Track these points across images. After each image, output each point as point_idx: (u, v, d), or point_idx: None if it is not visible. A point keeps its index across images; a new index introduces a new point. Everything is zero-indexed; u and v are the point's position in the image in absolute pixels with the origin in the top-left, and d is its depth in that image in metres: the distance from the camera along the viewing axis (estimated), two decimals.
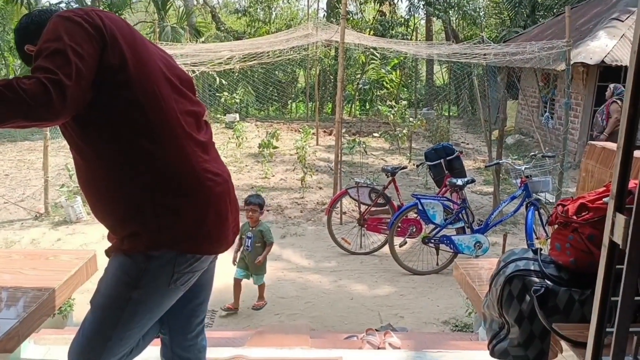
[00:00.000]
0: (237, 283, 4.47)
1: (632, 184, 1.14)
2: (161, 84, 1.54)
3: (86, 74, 1.40)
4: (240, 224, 4.07)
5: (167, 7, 16.35)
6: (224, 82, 14.38)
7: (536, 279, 1.58)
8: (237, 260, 4.52)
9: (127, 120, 1.49)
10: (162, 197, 1.53)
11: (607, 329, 1.21)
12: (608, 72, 9.37)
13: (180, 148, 1.55)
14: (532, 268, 1.62)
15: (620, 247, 1.12)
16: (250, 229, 4.52)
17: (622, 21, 9.79)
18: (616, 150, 1.13)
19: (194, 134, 1.60)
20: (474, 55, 8.32)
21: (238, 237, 4.19)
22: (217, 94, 14.46)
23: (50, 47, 1.38)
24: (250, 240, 4.48)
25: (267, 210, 7.15)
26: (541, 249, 1.75)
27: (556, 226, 1.65)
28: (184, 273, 1.59)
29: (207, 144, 1.66)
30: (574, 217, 1.57)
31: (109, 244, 1.67)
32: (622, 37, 9.40)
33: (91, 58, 1.42)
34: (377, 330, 3.31)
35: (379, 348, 2.95)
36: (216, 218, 1.61)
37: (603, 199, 1.55)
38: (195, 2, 18.70)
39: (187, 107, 1.61)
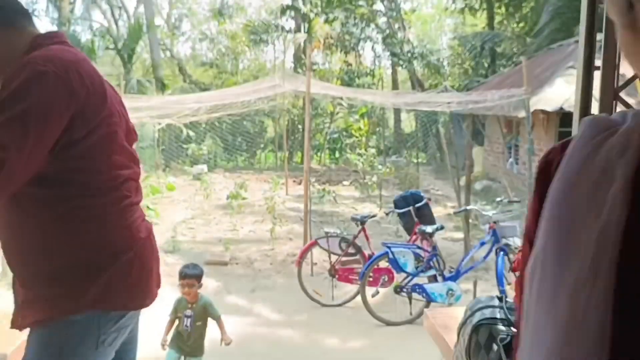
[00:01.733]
0: None
1: None
2: (118, 151, 1.51)
3: (44, 146, 1.33)
4: (176, 298, 3.84)
5: (134, 60, 16.43)
6: (191, 133, 14.34)
7: (502, 327, 1.54)
8: (169, 341, 3.88)
9: (74, 181, 1.44)
10: (88, 255, 1.45)
11: None
12: (568, 118, 9.67)
13: (120, 211, 1.50)
14: (498, 316, 1.59)
15: None
16: (189, 306, 3.85)
17: None
18: None
19: (132, 197, 1.56)
20: (439, 104, 8.52)
21: (170, 317, 3.86)
22: (184, 146, 14.38)
23: (13, 108, 1.29)
24: (189, 320, 3.83)
25: (236, 264, 6.98)
26: (506, 296, 1.71)
27: (519, 273, 1.60)
28: (111, 333, 1.49)
29: (139, 204, 1.63)
30: None
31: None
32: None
33: (57, 129, 1.35)
34: None
35: None
36: (140, 271, 1.55)
37: None
38: (162, 55, 18.87)
39: (133, 170, 1.58)
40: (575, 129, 1.08)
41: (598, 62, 1.03)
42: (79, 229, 1.44)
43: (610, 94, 1.05)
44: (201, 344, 3.87)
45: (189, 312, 3.81)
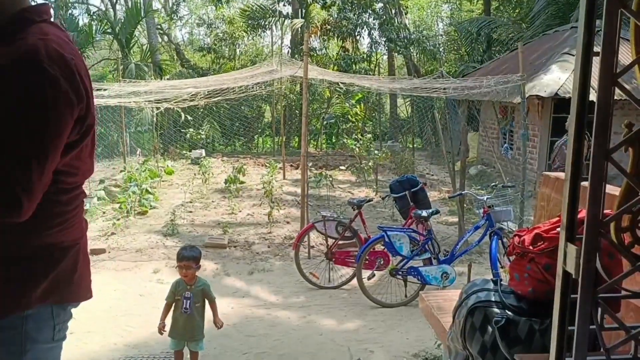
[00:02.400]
0: (177, 355, 3.86)
1: (582, 213, 1.17)
2: (89, 152, 1.53)
3: (58, 157, 1.37)
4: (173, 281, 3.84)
5: (131, 44, 16.33)
6: (189, 118, 14.34)
7: (497, 310, 1.60)
8: (170, 327, 3.81)
9: (58, 181, 1.44)
10: (44, 251, 1.45)
11: (567, 359, 1.23)
12: (562, 104, 9.76)
13: (79, 207, 1.55)
14: (492, 299, 1.64)
15: (574, 276, 1.16)
16: (188, 287, 3.81)
17: (573, 55, 10.26)
18: (564, 183, 1.18)
19: (84, 193, 1.60)
20: (435, 90, 8.57)
21: (167, 300, 3.79)
22: (183, 130, 14.39)
23: (30, 121, 1.30)
24: (189, 302, 3.78)
25: (234, 247, 7.07)
26: (501, 280, 1.78)
27: (514, 256, 1.69)
28: (64, 323, 1.53)
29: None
30: (530, 248, 1.60)
31: None
32: (573, 70, 9.84)
33: (65, 138, 1.38)
34: None
35: None
36: (85, 263, 1.59)
37: (557, 229, 1.59)
38: (159, 40, 18.76)
39: (90, 166, 1.59)
40: (572, 115, 1.14)
41: (597, 48, 1.08)
42: (44, 224, 1.44)
43: (609, 79, 1.10)
44: (201, 326, 3.83)
45: (188, 293, 3.77)
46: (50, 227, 1.45)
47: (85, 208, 1.66)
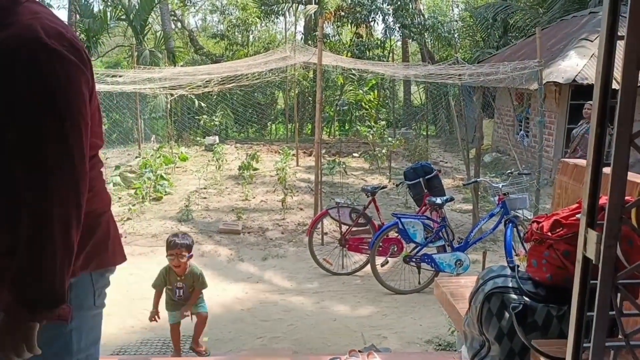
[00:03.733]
0: (174, 329, 3.78)
1: (603, 199, 1.17)
2: (98, 120, 1.56)
3: (87, 133, 1.39)
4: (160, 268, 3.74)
5: (145, 31, 16.35)
6: (202, 104, 14.38)
7: (514, 296, 1.60)
8: (165, 303, 3.76)
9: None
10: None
11: (585, 344, 1.22)
12: (580, 91, 9.62)
13: (99, 174, 1.59)
14: (510, 285, 1.64)
15: (594, 262, 1.15)
16: (179, 278, 3.65)
17: (591, 41, 10.10)
18: (586, 168, 1.17)
19: (101, 161, 1.65)
20: (450, 76, 8.49)
21: (156, 289, 3.69)
22: (196, 117, 14.44)
23: (57, 108, 1.30)
24: (181, 291, 3.68)
25: (248, 233, 7.11)
26: (519, 266, 1.77)
27: (532, 243, 1.68)
28: (103, 289, 1.60)
29: None
30: (549, 234, 1.60)
31: None
32: (591, 56, 9.68)
33: (88, 109, 1.40)
34: (360, 351, 3.29)
35: None
36: (115, 228, 1.65)
37: (576, 215, 1.58)
38: (173, 27, 18.77)
39: (101, 135, 1.61)
40: (595, 100, 1.12)
41: (621, 32, 1.05)
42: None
43: (634, 64, 1.07)
44: (201, 298, 3.76)
45: (179, 283, 3.65)
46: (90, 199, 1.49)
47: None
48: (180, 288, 3.64)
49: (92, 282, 1.54)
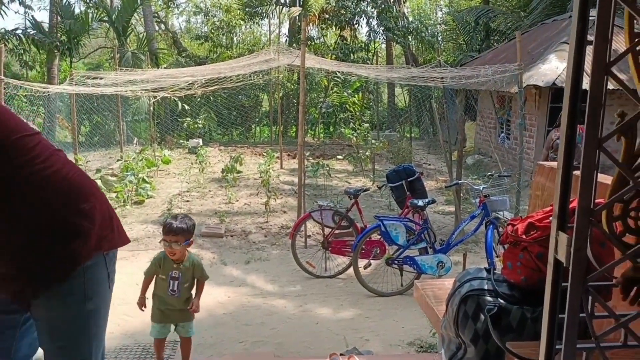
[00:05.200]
0: (159, 344, 3.34)
1: (574, 203, 1.18)
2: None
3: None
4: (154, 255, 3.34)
5: (128, 32, 16.22)
6: (186, 107, 14.29)
7: (489, 298, 1.61)
8: (152, 309, 3.28)
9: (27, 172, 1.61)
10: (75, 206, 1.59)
11: (557, 346, 1.23)
12: (559, 94, 9.74)
13: (64, 162, 1.69)
14: (485, 287, 1.65)
15: (565, 264, 1.16)
16: (175, 266, 3.18)
17: None
18: (556, 171, 1.18)
19: (55, 150, 1.74)
20: (432, 79, 8.54)
21: (147, 275, 3.25)
22: (180, 119, 14.34)
23: None
24: (177, 283, 3.18)
25: (231, 236, 7.08)
26: (494, 268, 1.79)
27: (507, 245, 1.69)
28: (114, 270, 1.70)
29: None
30: (523, 236, 1.61)
31: None
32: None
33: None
34: (341, 354, 3.28)
35: None
36: (113, 212, 1.75)
37: (550, 218, 1.60)
38: (156, 28, 18.64)
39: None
40: (565, 103, 1.13)
41: (591, 38, 1.07)
42: (64, 197, 1.59)
43: (602, 69, 1.09)
44: (191, 323, 3.34)
45: (175, 273, 3.17)
46: (68, 191, 1.60)
47: None
48: (175, 279, 3.16)
49: (105, 264, 1.64)
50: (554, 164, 2.36)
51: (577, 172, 1.18)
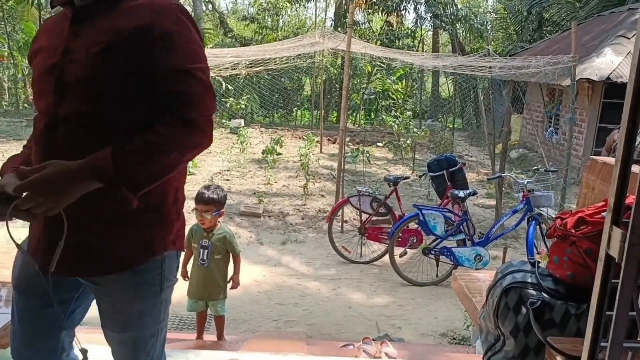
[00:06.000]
0: (200, 316, 3.46)
1: (630, 199, 1.14)
2: None
3: None
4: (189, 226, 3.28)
5: None
6: (230, 87, 14.44)
7: (533, 292, 1.58)
8: (189, 278, 3.39)
9: None
10: (175, 197, 1.55)
11: (602, 344, 1.20)
12: (613, 89, 9.37)
13: None
14: (529, 280, 1.62)
15: (616, 260, 1.12)
16: (205, 235, 3.27)
17: (629, 38, 9.80)
18: (614, 164, 1.14)
19: None
20: (480, 68, 8.34)
21: (185, 245, 3.34)
22: (223, 99, 14.51)
23: (203, 75, 1.45)
24: (206, 252, 3.24)
25: (268, 217, 7.15)
26: (539, 262, 1.75)
27: (555, 239, 1.65)
28: (178, 268, 1.63)
29: None
30: (572, 231, 1.57)
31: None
32: (627, 54, 9.41)
33: None
34: (373, 339, 3.30)
35: (374, 357, 2.94)
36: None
37: (601, 213, 1.55)
38: (204, 8, 18.81)
39: None
40: (628, 95, 1.09)
41: None
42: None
43: None
44: (221, 285, 3.34)
45: (205, 242, 3.24)
46: (181, 174, 1.59)
47: None
48: (205, 247, 3.22)
49: (177, 258, 1.60)
50: (608, 159, 2.28)
51: (634, 169, 1.14)
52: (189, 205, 7.59)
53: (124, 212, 1.36)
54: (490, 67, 8.23)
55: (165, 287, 1.54)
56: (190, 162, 9.16)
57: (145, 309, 1.51)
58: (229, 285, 3.38)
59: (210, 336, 3.59)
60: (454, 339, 4.17)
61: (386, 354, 2.95)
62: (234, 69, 9.44)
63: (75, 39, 1.38)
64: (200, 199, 3.21)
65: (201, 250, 3.26)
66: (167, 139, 1.33)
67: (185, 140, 1.35)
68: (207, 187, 3.30)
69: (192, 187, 8.35)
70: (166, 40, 1.36)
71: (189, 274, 3.39)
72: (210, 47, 15.00)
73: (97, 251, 1.42)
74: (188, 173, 7.94)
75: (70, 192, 1.27)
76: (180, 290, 3.73)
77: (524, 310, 1.57)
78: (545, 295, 1.57)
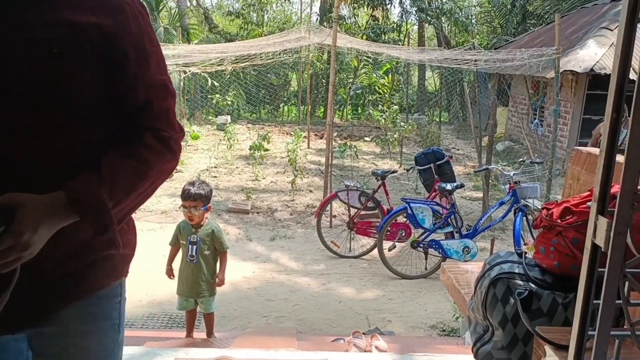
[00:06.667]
0: (189, 315, 3.46)
1: (615, 188, 1.15)
2: None
3: None
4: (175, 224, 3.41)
5: (160, 7, 16.28)
6: (216, 83, 14.35)
7: (520, 282, 1.59)
8: (177, 287, 3.37)
9: None
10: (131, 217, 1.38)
11: (589, 332, 1.21)
12: (597, 81, 9.47)
13: None
14: (516, 271, 1.63)
15: (603, 249, 1.13)
16: (193, 230, 3.26)
17: (611, 30, 9.90)
18: (599, 154, 1.14)
19: None
20: (465, 61, 8.38)
21: (171, 245, 3.35)
22: (209, 96, 14.42)
23: (172, 86, 1.25)
24: (195, 248, 3.24)
25: (257, 213, 7.13)
26: (526, 253, 1.76)
27: (541, 230, 1.66)
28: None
29: None
30: (558, 221, 1.58)
31: None
32: (610, 45, 9.50)
33: None
34: (364, 333, 3.31)
35: (365, 351, 2.95)
36: None
37: (587, 203, 1.56)
38: (188, 4, 18.67)
39: None
40: (612, 84, 1.09)
41: None
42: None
43: None
44: (210, 281, 3.33)
45: (193, 237, 3.23)
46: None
47: None
48: (194, 243, 3.22)
49: (124, 286, 1.36)
50: (593, 149, 2.30)
51: (619, 158, 1.14)
52: (175, 202, 7.51)
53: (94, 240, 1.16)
54: (475, 61, 8.27)
55: (122, 320, 1.31)
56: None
57: (103, 349, 1.25)
58: (217, 281, 3.37)
59: (200, 334, 3.58)
60: (444, 330, 4.20)
61: (376, 347, 2.97)
62: (220, 65, 9.39)
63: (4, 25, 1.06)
64: (187, 195, 3.19)
65: (190, 246, 3.25)
66: (151, 165, 1.16)
67: (167, 165, 1.21)
68: (192, 183, 3.28)
69: (179, 184, 8.29)
70: (139, 46, 1.17)
71: (174, 272, 3.37)
72: (195, 43, 14.90)
73: (55, 280, 1.16)
74: (175, 171, 7.81)
75: (47, 237, 1.04)
76: (169, 289, 3.73)
77: (512, 300, 1.58)
78: (532, 285, 1.58)
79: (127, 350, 2.66)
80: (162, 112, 1.20)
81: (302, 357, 2.64)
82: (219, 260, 3.39)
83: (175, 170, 8.75)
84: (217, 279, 3.33)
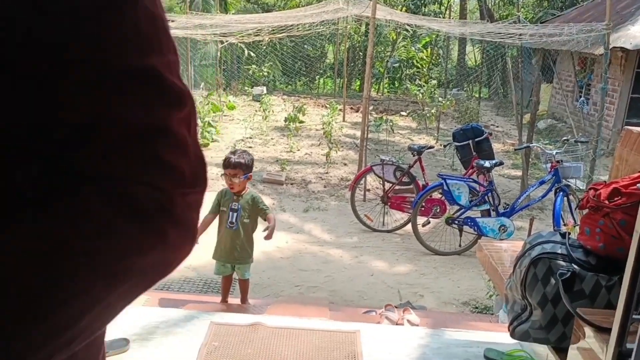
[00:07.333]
0: (225, 281, 3.50)
1: None
2: None
3: None
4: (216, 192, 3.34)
5: None
6: (252, 54, 14.35)
7: (562, 263, 1.56)
8: (214, 248, 3.39)
9: None
10: None
11: (634, 316, 1.19)
12: None
13: None
14: (559, 251, 1.60)
15: None
16: (235, 198, 3.27)
17: None
18: None
19: None
20: (509, 35, 8.10)
21: (208, 214, 3.28)
22: (245, 66, 14.44)
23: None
24: (235, 215, 3.25)
25: (291, 184, 7.18)
26: (569, 233, 1.72)
27: (586, 210, 1.62)
28: None
29: None
30: (606, 202, 1.53)
31: None
32: None
33: None
34: (395, 306, 3.32)
35: (397, 324, 2.96)
36: None
37: (637, 185, 1.50)
38: None
39: None
40: None
41: None
42: None
43: None
44: (248, 248, 3.37)
45: (235, 204, 3.25)
46: None
47: None
48: (234, 210, 3.22)
49: None
50: None
51: None
52: (217, 172, 7.64)
53: None
54: (520, 35, 7.98)
55: None
56: (213, 129, 9.01)
57: None
58: (264, 234, 3.31)
59: (234, 300, 3.66)
60: (476, 307, 4.18)
61: (409, 321, 2.98)
62: (257, 35, 9.37)
63: None
64: (228, 163, 3.21)
65: (230, 213, 3.27)
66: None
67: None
68: (234, 152, 3.31)
69: (215, 153, 8.40)
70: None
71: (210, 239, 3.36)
72: (233, 13, 14.88)
73: None
74: (211, 140, 7.93)
75: None
76: (206, 255, 3.82)
77: (552, 281, 1.55)
78: (575, 266, 1.54)
79: (165, 312, 2.74)
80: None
81: (334, 327, 2.67)
82: (258, 230, 3.39)
83: (211, 140, 8.87)
84: (266, 235, 3.28)
